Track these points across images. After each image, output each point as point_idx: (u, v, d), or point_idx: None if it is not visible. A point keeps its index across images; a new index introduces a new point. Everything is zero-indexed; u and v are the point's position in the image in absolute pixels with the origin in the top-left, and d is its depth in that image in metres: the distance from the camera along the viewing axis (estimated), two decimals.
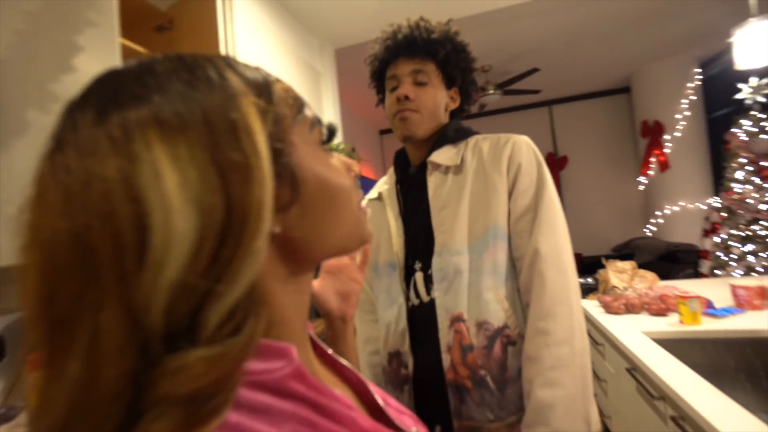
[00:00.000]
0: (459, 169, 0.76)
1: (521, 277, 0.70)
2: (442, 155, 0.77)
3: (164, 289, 0.18)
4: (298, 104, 0.29)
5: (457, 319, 0.69)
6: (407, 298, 0.76)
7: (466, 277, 0.69)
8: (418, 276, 0.74)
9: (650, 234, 4.07)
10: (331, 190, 0.29)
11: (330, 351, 0.37)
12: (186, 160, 0.20)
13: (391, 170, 0.89)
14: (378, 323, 0.83)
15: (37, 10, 1.01)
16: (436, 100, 0.78)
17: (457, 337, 0.69)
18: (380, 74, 0.84)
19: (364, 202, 0.91)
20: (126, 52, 1.22)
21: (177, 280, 0.18)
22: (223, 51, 1.43)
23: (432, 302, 0.72)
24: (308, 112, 0.30)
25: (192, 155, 0.20)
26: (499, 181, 0.71)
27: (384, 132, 5.14)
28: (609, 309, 1.51)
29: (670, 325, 1.30)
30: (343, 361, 0.36)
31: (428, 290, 0.73)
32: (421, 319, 0.73)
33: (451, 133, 0.79)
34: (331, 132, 0.33)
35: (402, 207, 0.81)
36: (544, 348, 0.62)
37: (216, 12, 1.43)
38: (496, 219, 0.70)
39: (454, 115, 0.85)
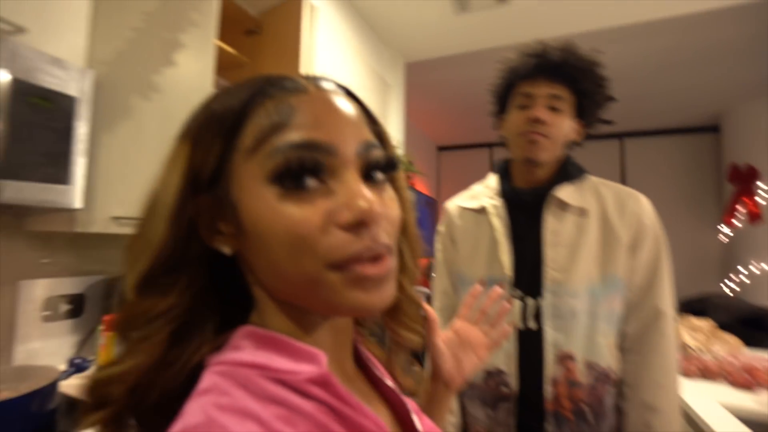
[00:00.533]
0: (582, 213, 0.77)
1: (630, 328, 0.76)
2: (566, 193, 0.78)
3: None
4: (273, 123, 0.26)
5: (567, 357, 0.73)
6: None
7: (581, 320, 0.74)
8: (530, 302, 0.76)
9: (729, 292, 3.61)
10: (263, 236, 0.26)
11: (377, 371, 0.35)
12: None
13: (492, 182, 0.89)
14: None
15: (153, 10, 1.12)
16: (565, 131, 0.79)
17: (566, 373, 0.73)
18: (508, 89, 0.84)
19: (455, 208, 0.91)
20: (219, 52, 1.32)
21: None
22: (303, 56, 1.49)
23: (539, 332, 0.75)
24: (277, 134, 0.26)
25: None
26: (623, 234, 0.75)
27: (443, 149, 5.11)
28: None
29: (759, 403, 1.12)
30: (389, 383, 0.35)
31: (537, 320, 0.76)
32: (527, 345, 0.76)
33: (572, 169, 0.81)
34: (291, 167, 0.26)
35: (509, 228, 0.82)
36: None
37: (301, 20, 1.50)
38: (616, 269, 0.75)
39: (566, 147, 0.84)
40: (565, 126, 0.78)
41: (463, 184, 1.01)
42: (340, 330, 0.32)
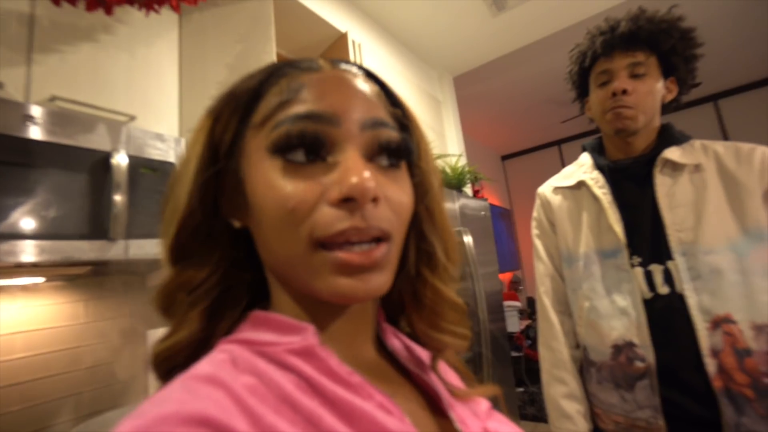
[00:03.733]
0: (697, 168, 0.74)
1: None
2: (675, 154, 0.75)
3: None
4: (282, 98, 0.27)
5: (724, 320, 0.66)
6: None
7: (729, 277, 0.67)
8: (655, 268, 0.72)
9: None
10: (259, 209, 0.26)
11: (409, 363, 0.32)
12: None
13: (584, 160, 0.88)
14: (569, 317, 0.84)
15: (233, 62, 1.28)
16: (654, 93, 0.76)
17: (728, 339, 0.65)
18: (585, 71, 0.84)
19: (549, 190, 0.91)
20: None
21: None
22: None
23: (673, 298, 0.70)
24: (283, 108, 0.26)
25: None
26: (754, 185, 0.70)
27: (507, 157, 4.93)
28: None
29: None
30: (424, 377, 0.31)
31: (669, 285, 0.71)
32: (661, 313, 0.71)
33: (675, 134, 0.78)
34: (290, 139, 0.25)
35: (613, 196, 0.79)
36: None
37: (348, 56, 1.61)
38: (758, 221, 0.69)
39: (665, 107, 0.81)
40: (652, 89, 0.76)
41: (535, 189, 0.98)
42: (356, 316, 0.30)
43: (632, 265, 0.74)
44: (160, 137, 1.07)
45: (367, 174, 0.24)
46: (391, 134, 0.28)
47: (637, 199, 0.76)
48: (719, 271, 0.67)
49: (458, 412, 0.30)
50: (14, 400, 0.97)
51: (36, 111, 0.86)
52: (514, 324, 2.79)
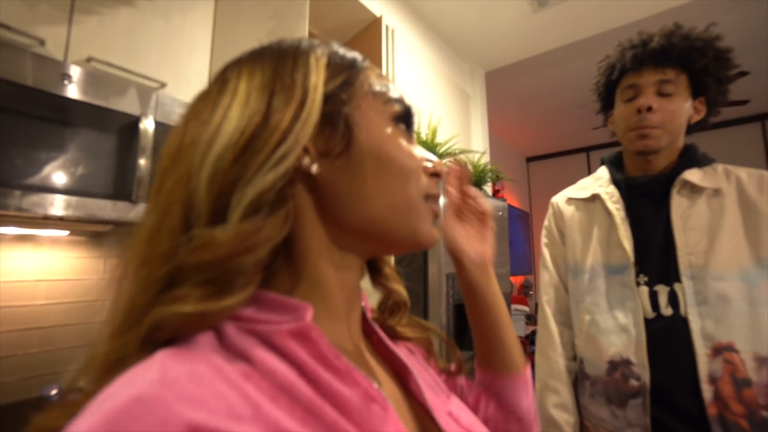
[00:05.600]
0: (717, 193, 0.73)
1: None
2: (696, 176, 0.73)
3: (207, 168, 0.24)
4: (382, 83, 0.32)
5: (726, 349, 0.65)
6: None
7: (736, 306, 0.66)
8: (661, 289, 0.72)
9: None
10: (383, 158, 0.29)
11: (388, 342, 0.35)
12: (255, 83, 0.27)
13: (601, 173, 0.87)
14: (569, 328, 0.83)
15: (265, 37, 1.29)
16: (681, 113, 0.75)
17: (728, 368, 0.64)
18: (612, 84, 0.82)
19: (562, 200, 0.91)
20: None
21: (213, 164, 0.24)
22: (384, 72, 1.56)
23: (676, 320, 0.69)
24: (389, 90, 0.32)
25: (261, 79, 0.27)
26: None
27: (531, 159, 4.82)
28: None
29: None
30: (398, 354, 0.34)
31: (673, 307, 0.70)
32: (661, 334, 0.70)
33: (698, 156, 0.77)
34: (407, 112, 0.33)
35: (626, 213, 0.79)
36: None
37: (381, 44, 1.59)
38: None
39: (691, 128, 0.79)
40: (679, 109, 0.74)
41: (556, 193, 0.96)
42: (352, 295, 0.32)
43: (638, 284, 0.73)
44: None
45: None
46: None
47: (651, 218, 0.75)
48: (726, 299, 0.66)
49: (432, 399, 0.32)
50: (34, 342, 1.03)
51: (73, 70, 0.88)
52: (519, 328, 2.77)
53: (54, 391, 0.79)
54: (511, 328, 0.44)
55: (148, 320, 0.22)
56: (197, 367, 0.20)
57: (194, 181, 0.24)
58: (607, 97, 0.85)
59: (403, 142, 0.32)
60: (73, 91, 0.88)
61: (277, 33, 1.30)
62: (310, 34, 1.38)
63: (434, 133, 1.58)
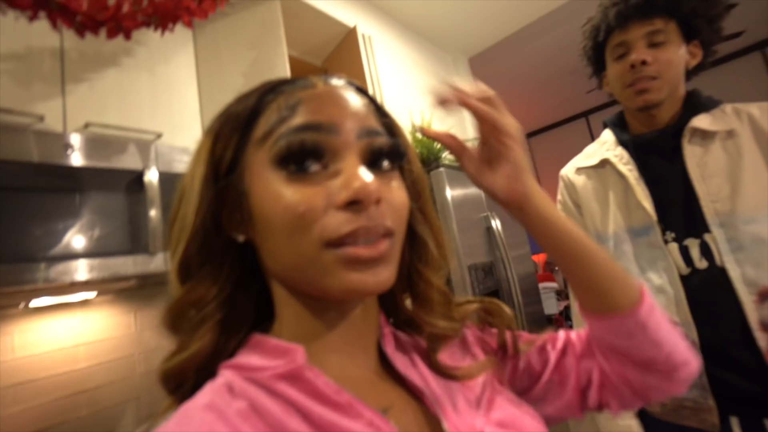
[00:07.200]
0: (730, 135, 0.70)
1: None
2: (705, 121, 0.71)
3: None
4: (279, 116, 0.29)
5: None
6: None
7: None
8: (691, 242, 0.69)
9: None
10: (266, 220, 0.28)
11: (400, 369, 0.32)
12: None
13: (607, 136, 0.85)
14: None
15: (247, 69, 1.32)
16: (676, 61, 0.72)
17: None
18: (600, 45, 0.80)
19: (571, 171, 0.88)
20: None
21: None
22: (369, 84, 1.57)
23: (713, 272, 0.67)
24: (280, 124, 0.28)
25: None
26: None
27: (532, 135, 4.77)
28: None
29: None
30: (411, 379, 0.31)
31: (708, 259, 0.68)
32: (700, 289, 0.68)
33: (703, 100, 0.74)
34: (298, 144, 0.27)
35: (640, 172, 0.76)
36: None
37: (360, 53, 1.60)
38: None
39: (690, 73, 0.77)
40: (674, 57, 0.71)
41: (563, 165, 0.94)
42: (359, 321, 0.32)
43: (666, 241, 0.71)
44: (185, 151, 1.11)
45: (370, 177, 0.27)
46: (385, 140, 0.30)
47: (666, 173, 0.73)
48: (763, 241, 0.63)
49: (453, 421, 0.29)
50: (82, 405, 1.06)
51: (74, 139, 0.91)
52: (551, 306, 2.73)
53: None
54: (597, 257, 0.35)
55: (159, 373, 0.29)
56: (205, 417, 0.24)
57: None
58: (597, 60, 0.83)
59: (286, 190, 0.27)
60: (77, 159, 0.91)
61: (258, 63, 1.33)
62: (291, 58, 1.40)
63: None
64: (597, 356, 0.39)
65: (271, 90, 0.30)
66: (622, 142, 0.80)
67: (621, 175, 0.77)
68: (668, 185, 0.73)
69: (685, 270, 0.69)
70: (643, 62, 0.70)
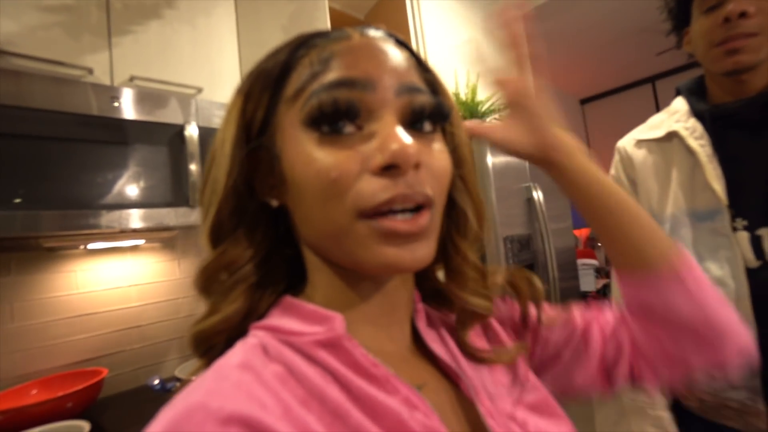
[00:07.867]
0: None
1: None
2: None
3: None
4: (313, 71, 0.26)
5: None
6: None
7: None
8: (765, 233, 0.61)
9: None
10: (299, 185, 0.26)
11: (434, 349, 0.31)
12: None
13: (678, 106, 0.74)
14: None
15: (287, 23, 1.28)
16: None
17: None
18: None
19: (630, 143, 0.79)
20: None
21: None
22: (413, 42, 1.48)
23: None
24: (313, 80, 0.26)
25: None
26: None
27: (586, 101, 4.40)
28: None
29: None
30: (446, 360, 0.30)
31: None
32: (767, 285, 0.61)
33: None
34: (330, 103, 0.24)
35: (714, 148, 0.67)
36: None
37: (405, 7, 1.50)
38: None
39: None
40: None
41: (620, 136, 0.84)
42: (393, 294, 0.30)
43: (734, 229, 0.63)
44: (224, 107, 1.11)
45: (409, 139, 0.24)
46: (427, 99, 0.27)
47: (747, 151, 0.64)
48: None
49: (486, 404, 0.28)
50: (135, 338, 1.18)
51: (121, 92, 0.94)
52: (589, 283, 2.62)
53: (156, 381, 0.90)
54: (632, 211, 0.34)
55: (189, 336, 0.28)
56: (242, 377, 0.23)
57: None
58: (680, 13, 0.71)
59: (318, 153, 0.25)
60: (124, 112, 0.94)
61: (298, 16, 1.28)
62: (332, 10, 1.34)
63: (474, 92, 1.49)
64: (630, 325, 0.37)
65: (303, 44, 0.28)
66: (696, 113, 0.69)
67: (690, 151, 0.68)
68: (747, 165, 0.64)
69: (754, 263, 0.62)
70: (743, 14, 0.59)
